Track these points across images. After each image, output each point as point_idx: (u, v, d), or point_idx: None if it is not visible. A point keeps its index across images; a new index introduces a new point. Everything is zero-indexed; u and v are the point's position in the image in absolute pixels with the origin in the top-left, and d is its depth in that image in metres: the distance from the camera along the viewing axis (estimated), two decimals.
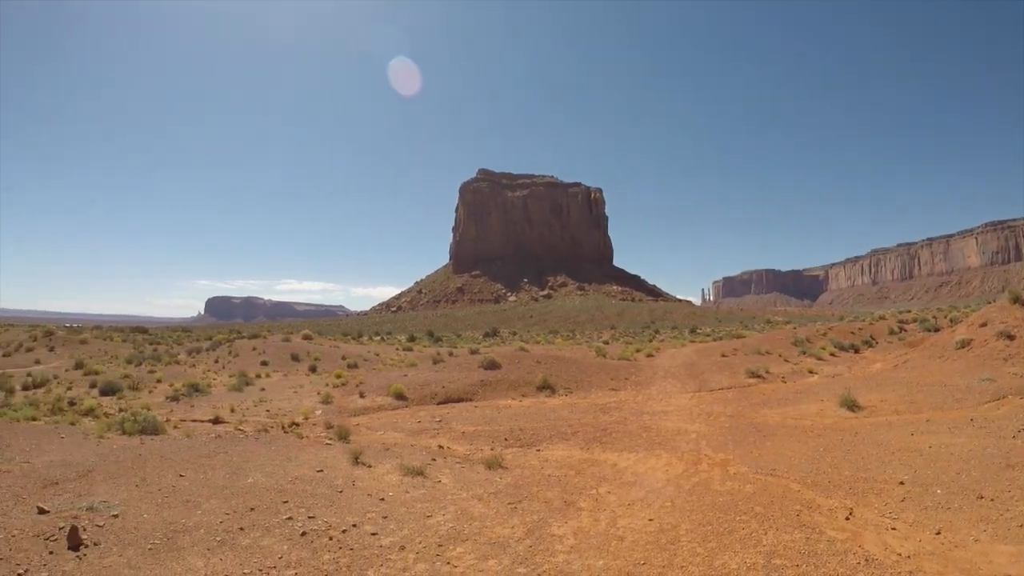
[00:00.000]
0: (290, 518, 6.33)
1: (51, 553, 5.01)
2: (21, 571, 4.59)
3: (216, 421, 13.80)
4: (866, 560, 4.95)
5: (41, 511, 6.04)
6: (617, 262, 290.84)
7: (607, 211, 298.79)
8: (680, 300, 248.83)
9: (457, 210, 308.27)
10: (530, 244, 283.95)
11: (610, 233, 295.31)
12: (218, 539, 5.70)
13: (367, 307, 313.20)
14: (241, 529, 5.98)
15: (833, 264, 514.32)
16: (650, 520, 6.14)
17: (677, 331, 79.19)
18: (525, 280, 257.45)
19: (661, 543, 5.56)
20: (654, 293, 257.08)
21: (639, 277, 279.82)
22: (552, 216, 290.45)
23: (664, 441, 9.96)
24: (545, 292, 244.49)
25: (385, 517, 6.42)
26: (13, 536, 5.31)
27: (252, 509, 6.54)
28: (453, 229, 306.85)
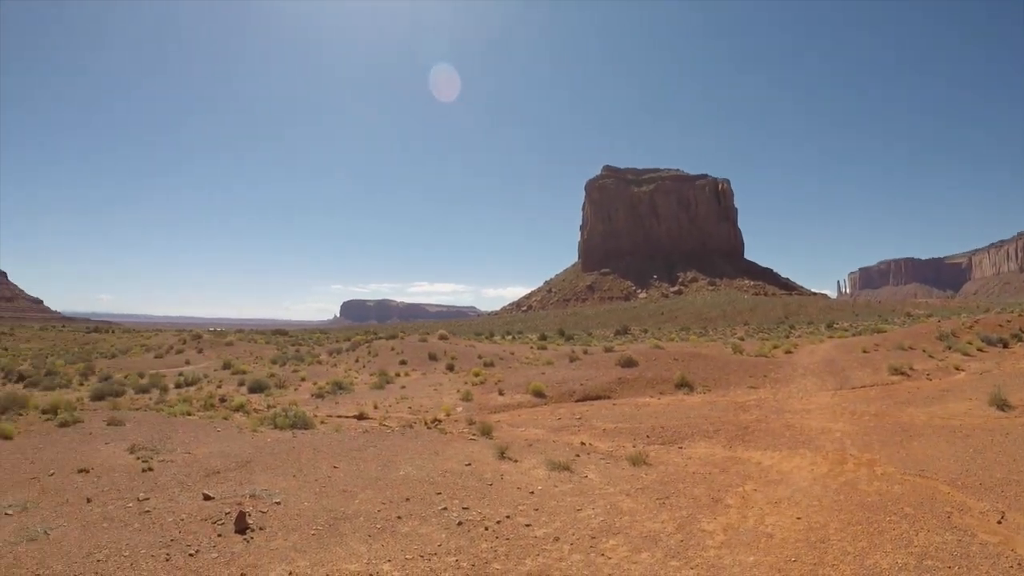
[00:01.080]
0: (445, 509, 12.96)
1: (219, 535, 11.49)
2: (192, 551, 10.86)
3: (361, 417, 26.47)
4: (1019, 564, 9.91)
5: (206, 497, 13.34)
6: (748, 255, 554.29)
7: (736, 203, 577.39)
8: (814, 294, 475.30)
9: (584, 208, 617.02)
10: (658, 239, 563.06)
11: (740, 225, 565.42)
12: (378, 526, 12.00)
13: (498, 307, 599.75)
14: (399, 518, 12.44)
15: (976, 250, 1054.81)
16: (798, 518, 12.16)
17: (813, 326, 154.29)
18: (655, 276, 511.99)
19: (811, 541, 11.05)
20: (787, 287, 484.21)
21: (771, 270, 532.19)
22: (680, 210, 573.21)
23: (808, 440, 19.20)
24: (675, 288, 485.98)
25: (536, 510, 12.97)
26: (182, 519, 12.22)
27: (407, 499, 13.54)
28: (581, 227, 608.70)
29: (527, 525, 12.17)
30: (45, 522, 12.33)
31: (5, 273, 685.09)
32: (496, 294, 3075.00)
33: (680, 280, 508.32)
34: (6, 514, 12.85)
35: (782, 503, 13.23)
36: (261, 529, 12.04)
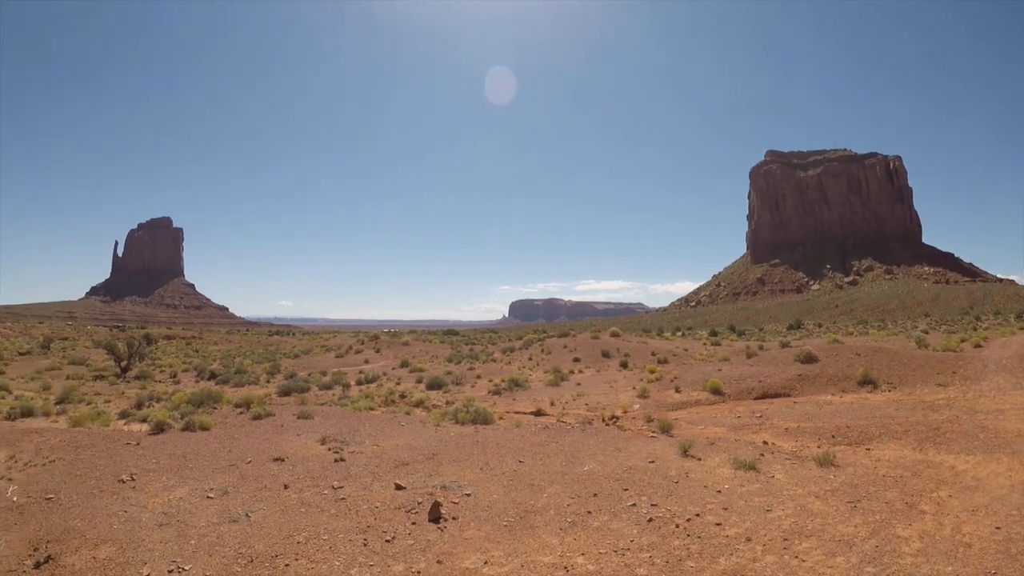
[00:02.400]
0: (634, 505, 12.75)
1: (413, 524, 11.78)
2: (388, 538, 11.25)
3: (538, 413, 27.10)
4: None
5: (398, 487, 13.69)
6: (926, 239, 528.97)
7: (910, 181, 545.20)
8: (1001, 280, 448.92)
9: (749, 196, 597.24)
10: (829, 226, 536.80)
11: (915, 206, 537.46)
12: (568, 520, 11.93)
13: (666, 303, 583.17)
14: (589, 513, 12.35)
15: None
16: (997, 528, 11.38)
17: (1001, 316, 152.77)
18: (827, 266, 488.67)
19: (1011, 553, 10.33)
20: (971, 273, 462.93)
21: (952, 255, 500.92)
22: (850, 193, 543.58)
23: (1004, 443, 17.64)
24: (850, 278, 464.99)
25: (725, 509, 12.69)
26: (376, 507, 12.64)
27: (595, 495, 13.43)
28: (748, 217, 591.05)
29: (717, 524, 11.97)
30: (245, 505, 13.15)
31: (193, 285, 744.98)
32: (663, 290, 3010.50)
33: (854, 269, 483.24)
34: (208, 497, 13.80)
35: (979, 511, 12.39)
36: (454, 519, 12.30)
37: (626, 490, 13.94)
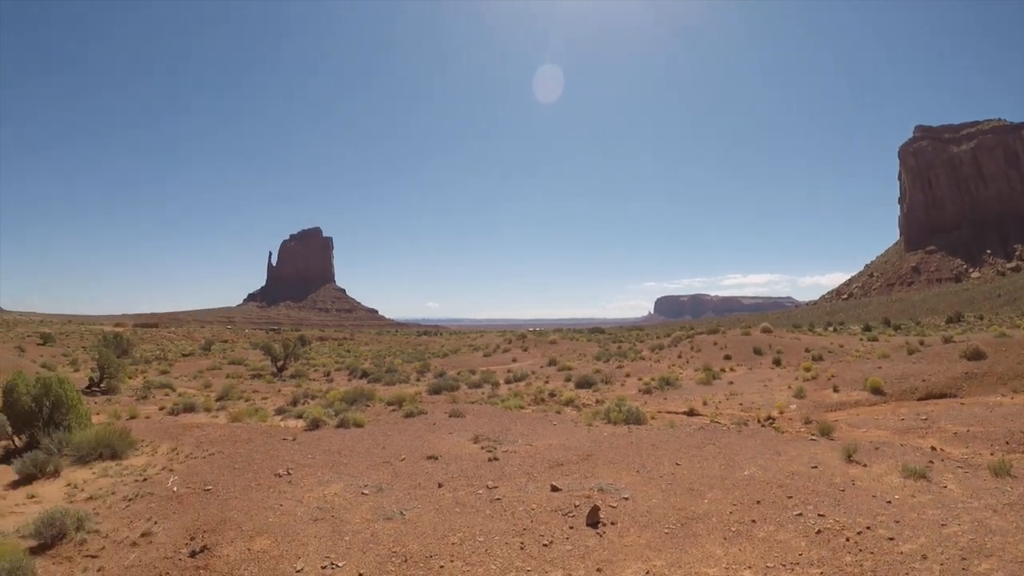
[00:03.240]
0: (800, 514, 11.94)
1: (571, 528, 11.41)
2: (546, 542, 10.91)
3: (691, 413, 26.16)
4: None
5: (554, 488, 13.33)
6: None
7: None
8: None
9: (900, 178, 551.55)
10: (987, 205, 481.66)
11: None
12: (732, 529, 11.27)
13: (815, 296, 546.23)
14: (753, 521, 11.64)
15: None
16: None
17: None
18: (987, 252, 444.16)
19: None
20: None
21: None
22: (1008, 167, 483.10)
23: None
24: (1012, 264, 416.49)
25: (897, 522, 11.73)
26: (532, 509, 12.32)
27: (758, 502, 12.65)
28: (899, 200, 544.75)
29: (890, 539, 11.07)
30: (400, 503, 13.15)
31: (344, 289, 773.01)
32: (812, 282, 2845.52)
33: (1016, 253, 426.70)
34: (363, 494, 13.89)
35: None
36: (612, 524, 11.83)
37: (790, 498, 13.14)
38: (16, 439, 21.38)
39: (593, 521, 11.84)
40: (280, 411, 29.35)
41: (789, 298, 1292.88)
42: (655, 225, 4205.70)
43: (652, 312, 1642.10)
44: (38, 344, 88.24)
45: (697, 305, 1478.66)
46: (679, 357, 57.30)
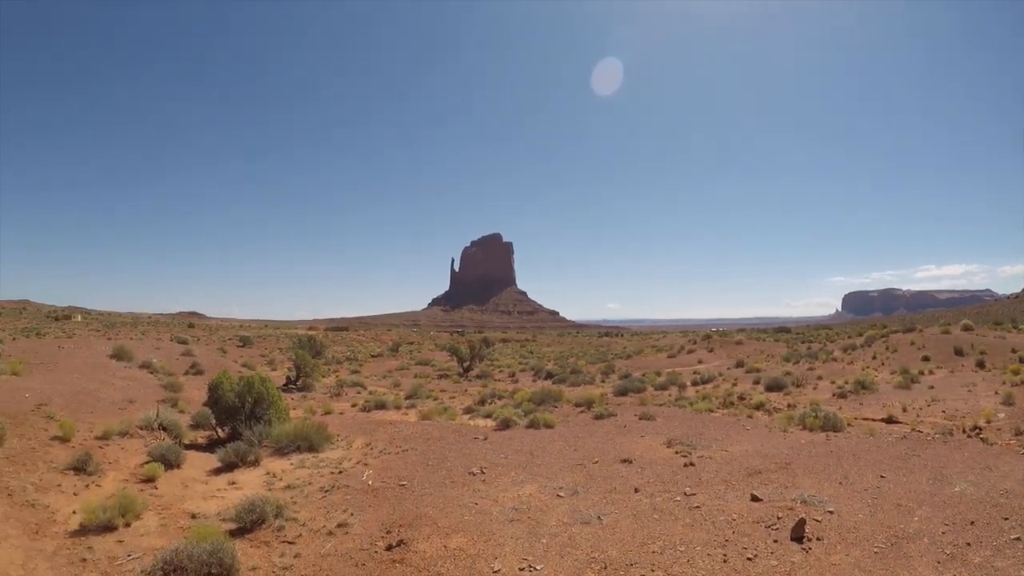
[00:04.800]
0: (1017, 539, 10.68)
1: (775, 542, 10.82)
2: (750, 555, 10.39)
3: (889, 420, 24.57)
4: None
5: (754, 498, 12.79)
6: None
7: None
8: None
9: None
10: None
11: None
12: (946, 552, 10.27)
13: (1017, 288, 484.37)
14: (968, 544, 10.54)
15: None
16: None
17: None
18: None
19: None
20: None
21: None
22: None
23: None
24: None
25: None
26: (733, 519, 11.82)
27: (972, 523, 11.47)
28: None
29: None
30: (596, 507, 12.95)
31: (525, 292, 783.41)
32: (1015, 272, 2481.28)
33: None
34: (558, 496, 13.81)
35: None
36: (818, 539, 11.13)
37: (1006, 519, 11.82)
38: (219, 430, 22.80)
39: (798, 535, 11.19)
40: (468, 410, 29.87)
41: (988, 291, 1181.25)
42: (841, 215, 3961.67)
43: (840, 310, 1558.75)
44: (238, 346, 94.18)
45: (887, 301, 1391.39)
46: (873, 358, 54.45)
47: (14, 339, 55.15)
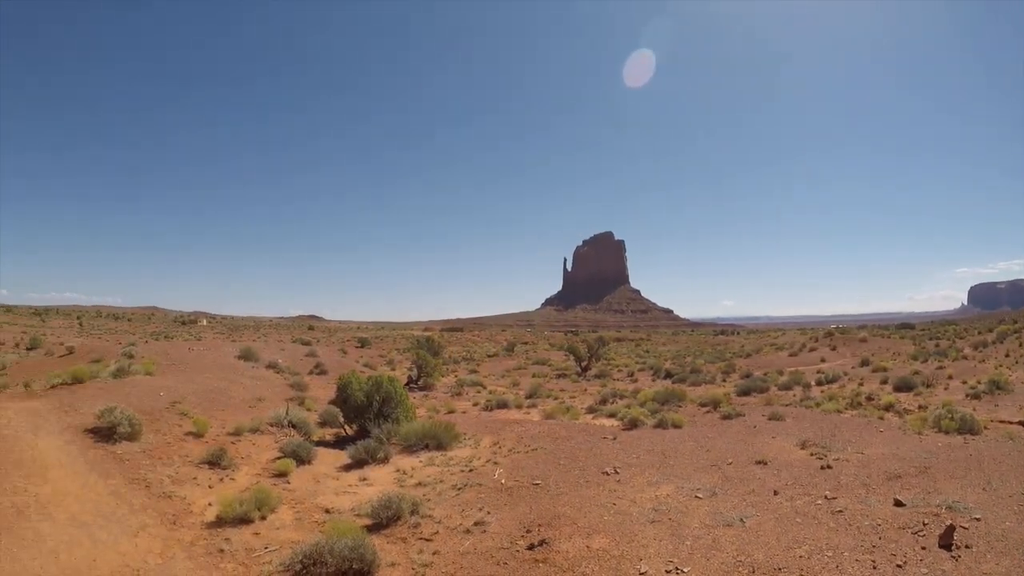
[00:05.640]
0: None
1: (923, 548, 10.53)
2: (899, 562, 10.14)
3: None
4: None
5: (897, 503, 12.44)
6: None
7: None
8: None
9: None
10: None
11: None
12: None
13: None
14: None
15: None
16: None
17: None
18: None
19: None
20: None
21: None
22: None
23: None
24: None
25: None
26: (877, 525, 11.52)
27: None
28: None
29: None
30: (737, 509, 12.83)
31: (639, 290, 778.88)
32: None
33: None
34: (696, 497, 13.72)
35: None
36: (967, 547, 10.73)
37: None
38: (347, 428, 23.36)
39: (947, 543, 10.80)
40: (591, 410, 29.82)
41: None
42: (965, 201, 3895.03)
43: (966, 303, 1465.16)
44: (356, 347, 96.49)
45: (1016, 293, 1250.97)
46: (1006, 356, 51.87)
47: (146, 342, 57.76)
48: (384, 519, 13.78)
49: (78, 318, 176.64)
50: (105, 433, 19.37)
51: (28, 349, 68.41)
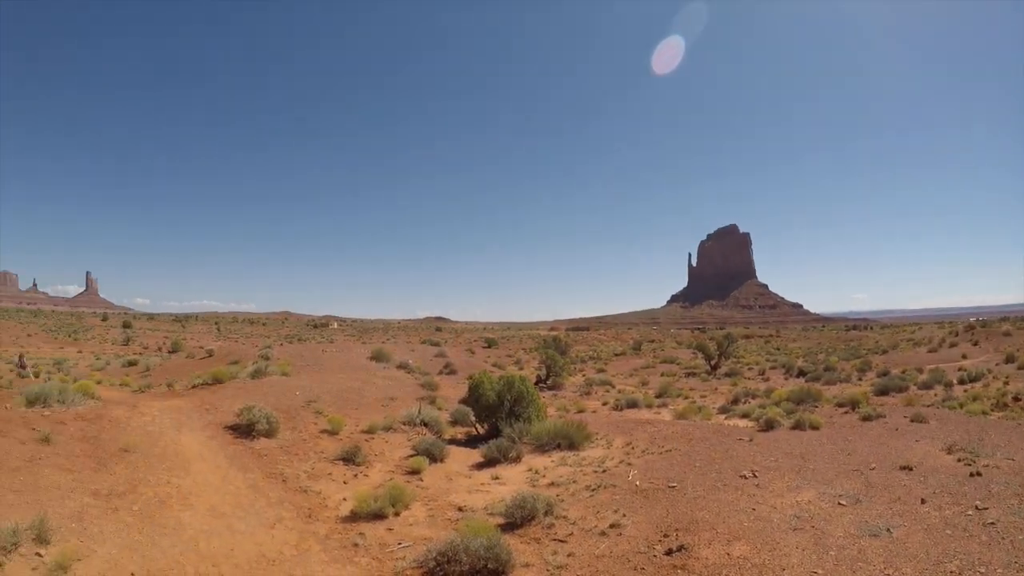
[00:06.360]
0: None
1: None
2: None
3: None
4: None
5: None
6: None
7: None
8: None
9: None
10: None
11: None
12: None
13: None
14: None
15: None
16: None
17: None
18: None
19: None
20: None
21: None
22: None
23: None
24: None
25: None
26: None
27: None
28: None
29: None
30: (882, 518, 12.23)
31: (766, 285, 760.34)
32: None
33: None
34: (840, 504, 13.12)
35: None
36: None
37: None
38: (478, 427, 23.50)
39: None
40: (723, 410, 29.30)
41: None
42: None
43: None
44: (483, 347, 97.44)
45: None
46: None
47: (281, 345, 60.08)
48: (518, 519, 13.78)
49: (216, 323, 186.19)
50: (244, 430, 20.18)
51: (170, 352, 74.00)
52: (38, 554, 10.77)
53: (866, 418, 22.60)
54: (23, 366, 47.39)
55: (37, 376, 41.98)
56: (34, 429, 16.31)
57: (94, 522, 12.51)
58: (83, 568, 10.75)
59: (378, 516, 14.79)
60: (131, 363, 55.96)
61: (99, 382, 31.92)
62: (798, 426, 21.31)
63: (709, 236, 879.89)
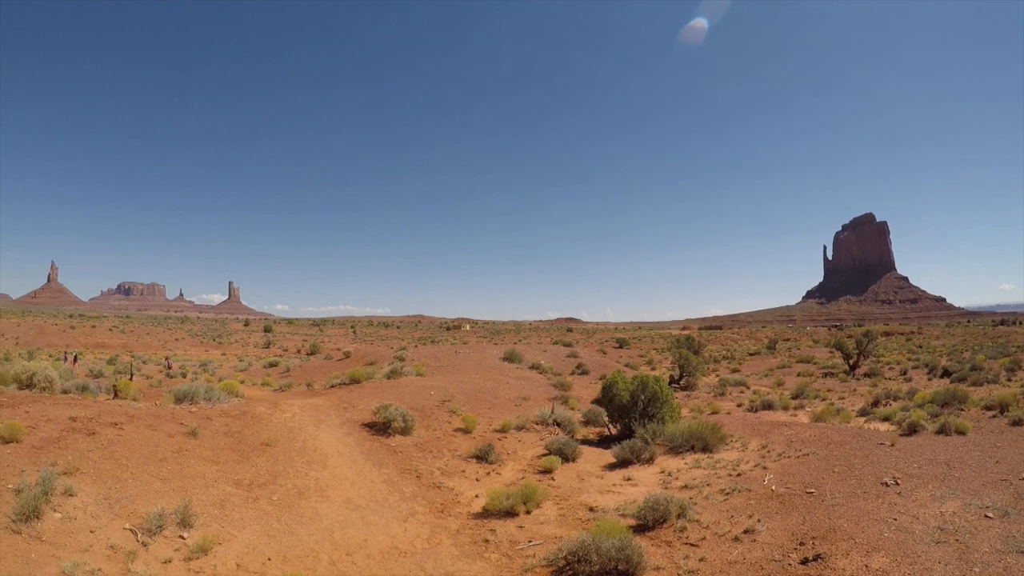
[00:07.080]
0: None
1: None
2: None
3: None
4: None
5: None
6: None
7: None
8: None
9: None
10: None
11: None
12: None
13: None
14: None
15: None
16: None
17: None
18: None
19: None
20: None
21: None
22: None
23: None
24: None
25: None
26: None
27: None
28: None
29: None
30: None
31: (907, 278, 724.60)
32: None
33: None
34: (986, 517, 12.42)
35: None
36: None
37: None
38: (611, 427, 23.38)
39: None
40: (863, 412, 28.20)
41: None
42: None
43: None
44: (615, 347, 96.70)
45: None
46: None
47: (415, 346, 61.28)
48: (650, 521, 13.68)
49: (352, 327, 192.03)
50: (380, 427, 20.69)
51: (308, 355, 76.89)
52: (181, 537, 11.48)
53: (1016, 422, 21.03)
54: (170, 367, 50.65)
55: (184, 376, 44.47)
56: (182, 424, 17.22)
57: (235, 510, 13.18)
58: (223, 551, 11.37)
59: (509, 513, 14.94)
60: (272, 364, 58.75)
61: (242, 382, 33.52)
62: (943, 430, 20.04)
63: (844, 227, 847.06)
